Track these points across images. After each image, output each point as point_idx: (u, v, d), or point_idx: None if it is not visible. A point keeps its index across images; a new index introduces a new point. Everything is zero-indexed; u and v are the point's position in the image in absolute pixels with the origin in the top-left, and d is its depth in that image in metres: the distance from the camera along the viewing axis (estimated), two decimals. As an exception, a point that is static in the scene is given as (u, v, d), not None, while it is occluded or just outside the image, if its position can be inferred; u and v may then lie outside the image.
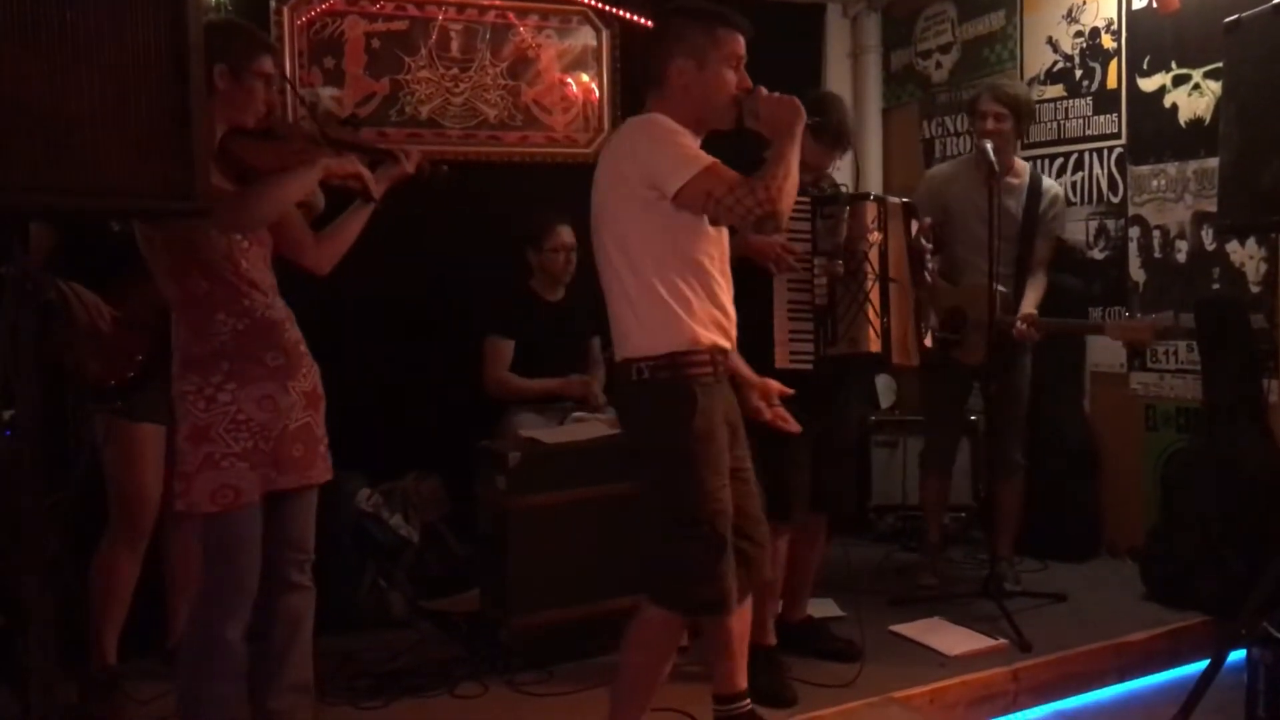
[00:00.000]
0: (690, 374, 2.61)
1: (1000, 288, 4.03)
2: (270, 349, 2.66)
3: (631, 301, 2.64)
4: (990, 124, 4.08)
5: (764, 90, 2.67)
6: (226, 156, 2.67)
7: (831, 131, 3.35)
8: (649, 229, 2.60)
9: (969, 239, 4.14)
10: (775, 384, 2.96)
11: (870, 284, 3.25)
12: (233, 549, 2.61)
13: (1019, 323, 4.01)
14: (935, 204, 4.17)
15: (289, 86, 2.83)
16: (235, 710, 2.66)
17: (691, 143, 2.62)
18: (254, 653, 2.77)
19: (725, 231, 2.74)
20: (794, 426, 2.95)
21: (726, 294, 2.71)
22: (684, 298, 2.61)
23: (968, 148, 5.20)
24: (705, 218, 2.62)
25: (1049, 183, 4.35)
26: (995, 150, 3.94)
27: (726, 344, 2.71)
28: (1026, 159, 4.98)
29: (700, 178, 2.53)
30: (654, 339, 2.62)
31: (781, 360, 3.18)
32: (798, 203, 3.29)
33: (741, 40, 2.70)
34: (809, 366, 3.21)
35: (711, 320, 2.65)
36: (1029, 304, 4.13)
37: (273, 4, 4.38)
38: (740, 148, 3.32)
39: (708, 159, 2.57)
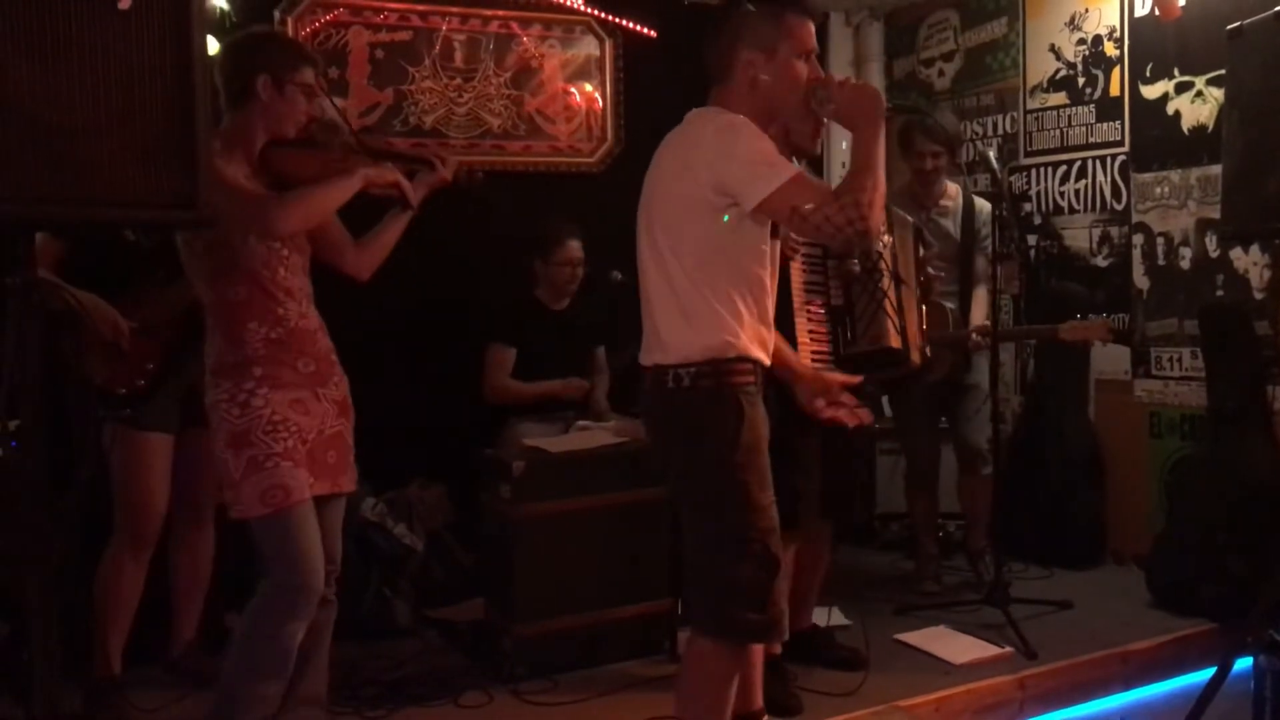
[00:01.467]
0: (735, 381, 2.45)
1: (949, 305, 4.18)
2: (302, 356, 2.71)
3: (681, 305, 2.46)
4: (929, 163, 4.26)
5: (837, 76, 2.54)
6: (267, 166, 2.71)
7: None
8: (711, 236, 2.43)
9: None
10: (837, 376, 2.79)
11: (887, 282, 3.26)
12: (292, 549, 2.60)
13: (973, 335, 4.10)
14: None
15: (330, 99, 2.86)
16: (273, 709, 2.67)
17: (772, 146, 2.44)
18: None
19: (777, 244, 2.63)
20: (865, 417, 2.77)
21: (772, 311, 2.61)
22: (737, 310, 2.46)
23: (971, 155, 5.22)
24: (766, 231, 2.50)
25: (981, 201, 4.39)
26: (932, 180, 4.24)
27: (765, 358, 2.57)
28: (1029, 167, 5.00)
29: (785, 190, 2.34)
30: (697, 344, 2.45)
31: (805, 359, 3.18)
32: None
33: (811, 28, 2.54)
34: (829, 366, 3.20)
35: (757, 337, 2.51)
36: (978, 316, 4.25)
37: (277, 14, 4.40)
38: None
39: (792, 168, 2.39)
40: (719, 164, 2.40)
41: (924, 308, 3.60)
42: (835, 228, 2.34)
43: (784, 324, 3.16)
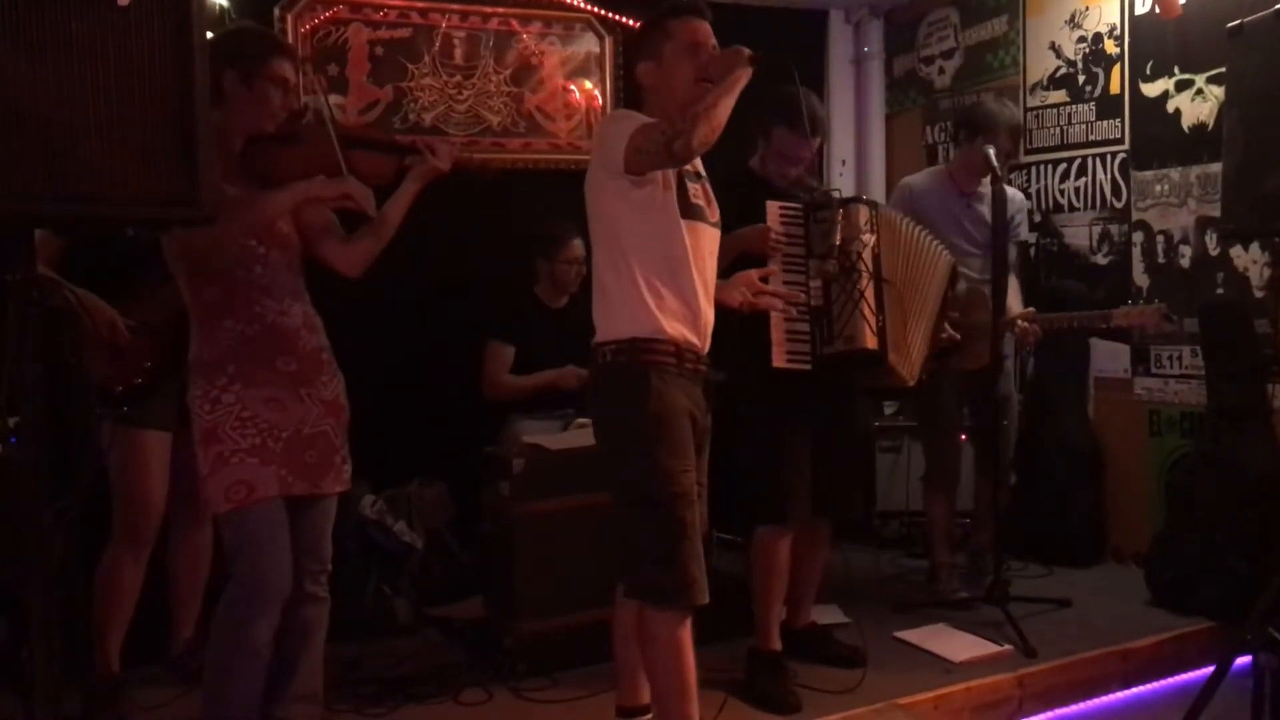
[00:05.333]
0: (648, 359, 2.62)
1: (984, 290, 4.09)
2: (282, 354, 2.67)
3: (604, 288, 2.69)
4: (998, 159, 4.04)
5: (718, 54, 2.69)
6: (249, 165, 2.67)
7: (804, 119, 3.32)
8: (620, 217, 2.65)
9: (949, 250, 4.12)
10: (752, 271, 3.06)
11: (865, 282, 3.23)
12: (253, 546, 2.60)
13: (1020, 321, 4.01)
14: (908, 214, 4.18)
15: (318, 89, 2.76)
16: (256, 707, 2.67)
17: (636, 118, 2.65)
18: None
19: (709, 231, 2.75)
20: (794, 296, 3.12)
21: (703, 293, 2.71)
22: (654, 287, 2.63)
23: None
24: (672, 211, 2.64)
25: (1012, 191, 4.37)
26: (986, 172, 4.01)
27: (697, 340, 2.70)
28: (1029, 164, 5.01)
29: (631, 139, 2.55)
30: (619, 324, 2.65)
31: (778, 359, 3.17)
32: (791, 208, 3.29)
33: (697, 24, 2.71)
34: (806, 366, 3.20)
35: (680, 314, 2.66)
36: (1015, 305, 4.14)
37: (276, 11, 4.40)
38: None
39: (638, 123, 2.60)
40: (602, 149, 2.67)
41: (935, 329, 3.54)
42: (657, 147, 2.53)
43: (760, 323, 3.18)
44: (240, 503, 2.57)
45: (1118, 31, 4.66)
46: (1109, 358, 4.72)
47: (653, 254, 2.64)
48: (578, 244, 4.31)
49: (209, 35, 2.93)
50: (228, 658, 2.61)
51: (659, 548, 2.60)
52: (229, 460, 2.58)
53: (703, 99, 2.56)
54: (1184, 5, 4.26)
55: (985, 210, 4.17)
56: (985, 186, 4.20)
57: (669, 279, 2.65)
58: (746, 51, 2.64)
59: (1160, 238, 4.54)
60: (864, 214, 3.31)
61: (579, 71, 5.02)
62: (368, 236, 2.84)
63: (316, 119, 2.91)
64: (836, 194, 3.47)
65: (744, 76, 2.63)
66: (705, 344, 2.75)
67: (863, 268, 3.24)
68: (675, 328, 2.64)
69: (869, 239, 3.28)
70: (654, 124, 2.59)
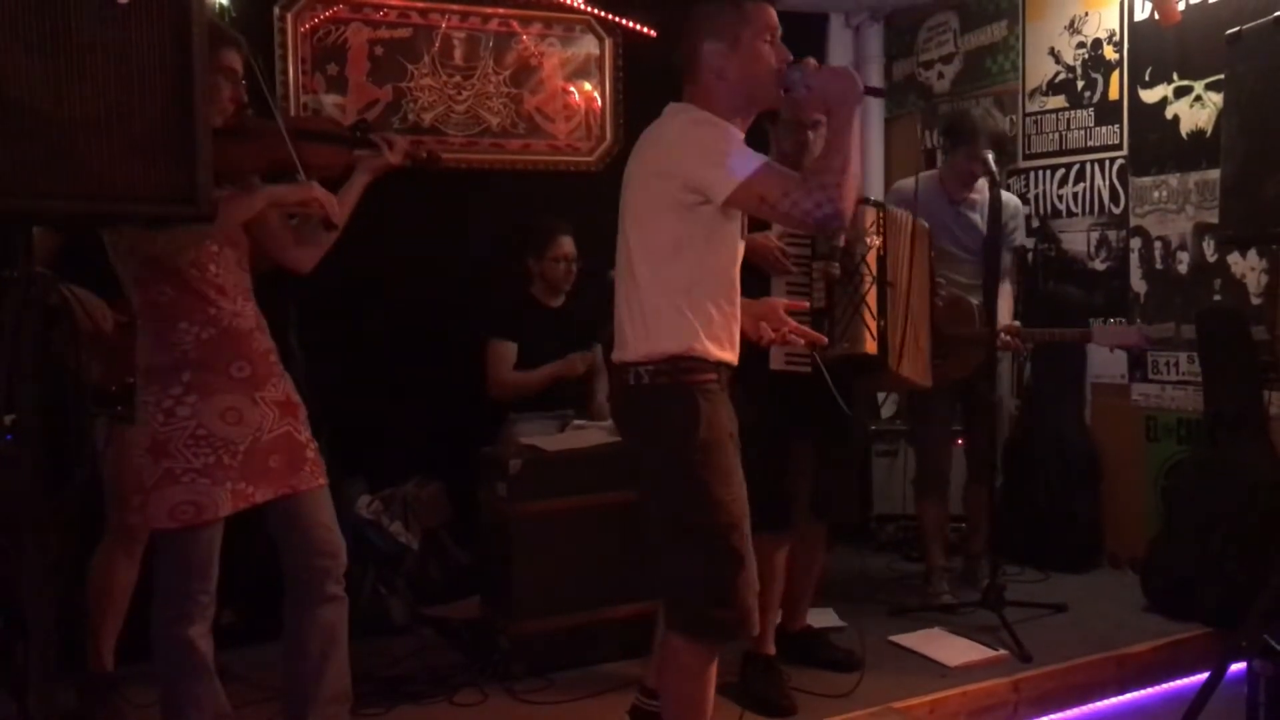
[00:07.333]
0: (692, 380, 2.45)
1: (973, 300, 4.11)
2: (237, 359, 2.60)
3: (643, 305, 2.47)
4: (981, 168, 4.04)
5: (813, 61, 2.49)
6: None
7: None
8: (682, 236, 2.42)
9: (938, 256, 4.03)
10: (780, 301, 2.87)
11: (867, 286, 3.22)
12: (188, 563, 2.57)
13: (1002, 334, 4.02)
14: None
15: (261, 79, 2.65)
16: (214, 705, 2.65)
17: (739, 139, 2.44)
18: (290, 663, 2.77)
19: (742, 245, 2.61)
20: (816, 337, 2.85)
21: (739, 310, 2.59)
22: (706, 313, 2.46)
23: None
24: (738, 230, 2.49)
25: (1008, 195, 4.37)
26: (974, 179, 4.08)
27: (733, 358, 2.56)
28: (1028, 169, 5.01)
29: (753, 181, 2.33)
30: (657, 341, 2.45)
31: (777, 362, 3.16)
32: None
33: (771, 11, 2.52)
34: (805, 369, 3.19)
35: (728, 339, 2.52)
36: (1005, 314, 4.14)
37: (276, 10, 4.39)
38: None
39: (758, 158, 2.37)
40: (686, 162, 2.40)
41: (932, 313, 3.53)
42: (803, 212, 2.33)
43: None
44: (185, 523, 2.52)
45: (1117, 37, 4.67)
46: (1106, 363, 4.72)
47: (713, 275, 2.47)
48: (566, 241, 4.31)
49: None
50: (169, 661, 2.61)
51: (713, 581, 2.44)
52: (179, 478, 2.51)
53: (840, 159, 2.34)
54: (1183, 12, 4.27)
55: (976, 216, 4.20)
56: (976, 193, 4.24)
57: (723, 300, 2.49)
58: (859, 81, 2.42)
59: (1158, 244, 4.54)
60: (869, 216, 3.29)
61: (579, 73, 5.02)
62: (318, 235, 2.78)
63: (311, 113, 2.87)
64: None
65: (857, 115, 2.41)
66: (736, 357, 2.59)
67: (865, 270, 3.23)
68: (717, 346, 2.48)
69: (874, 241, 3.26)
70: (789, 181, 2.35)
